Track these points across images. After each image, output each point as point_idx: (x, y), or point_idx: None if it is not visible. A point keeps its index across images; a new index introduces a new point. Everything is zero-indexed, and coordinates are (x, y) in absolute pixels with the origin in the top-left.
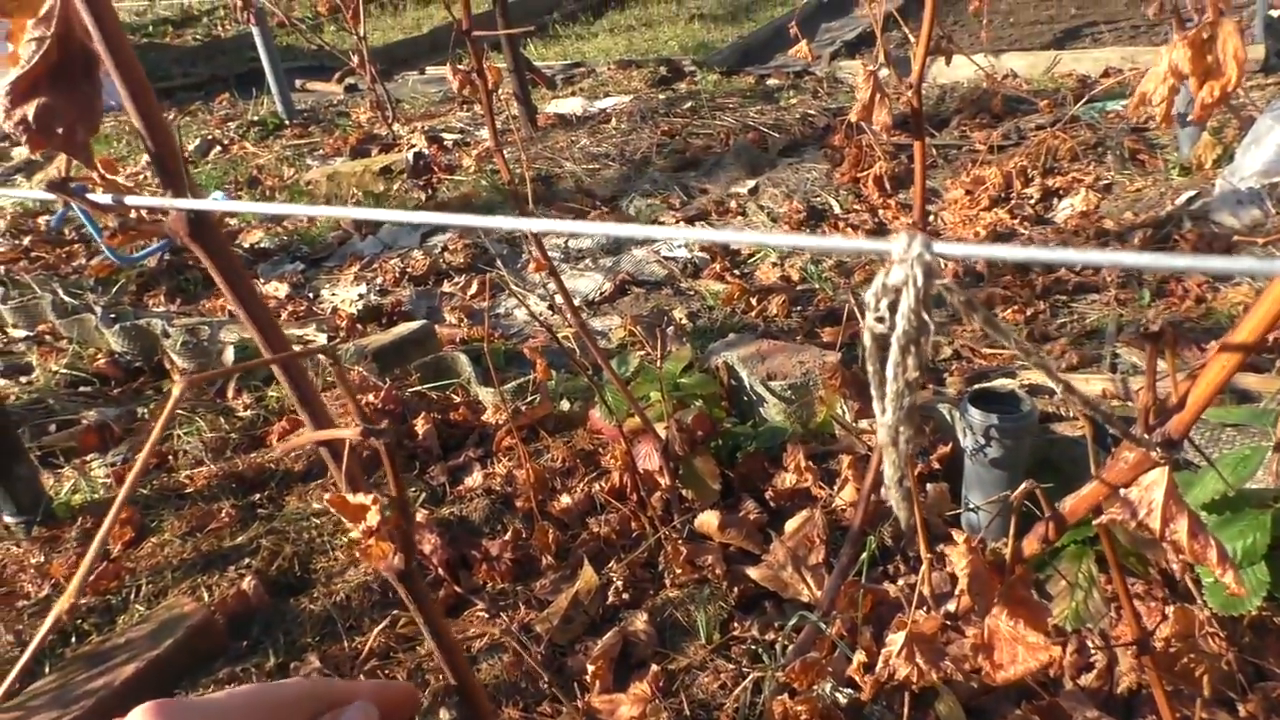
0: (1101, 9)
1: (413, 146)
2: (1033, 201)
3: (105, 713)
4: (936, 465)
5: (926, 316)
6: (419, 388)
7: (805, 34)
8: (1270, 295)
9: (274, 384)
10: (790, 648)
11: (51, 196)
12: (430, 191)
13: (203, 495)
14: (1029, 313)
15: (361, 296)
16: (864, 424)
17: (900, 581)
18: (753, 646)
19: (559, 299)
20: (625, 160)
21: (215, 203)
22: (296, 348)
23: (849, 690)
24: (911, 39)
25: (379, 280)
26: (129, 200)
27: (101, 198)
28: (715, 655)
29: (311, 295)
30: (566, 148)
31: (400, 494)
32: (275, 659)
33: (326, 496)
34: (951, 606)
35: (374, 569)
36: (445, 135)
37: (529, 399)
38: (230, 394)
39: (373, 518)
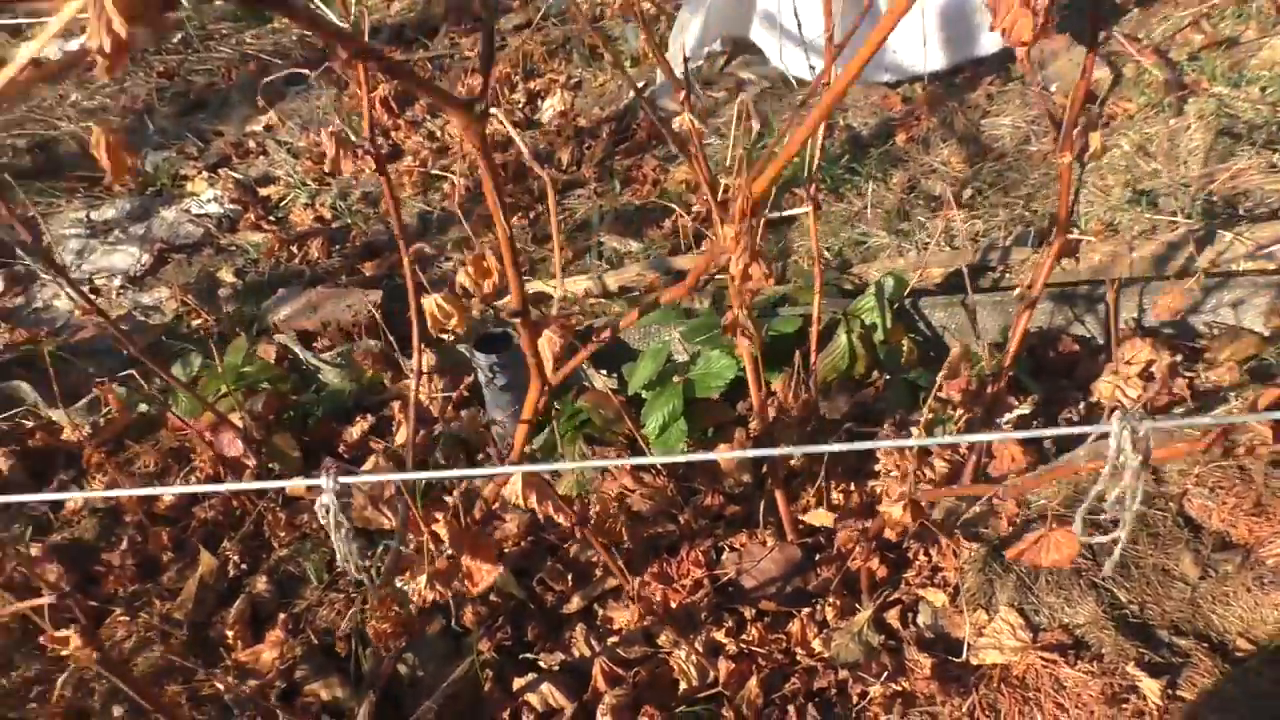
0: None
1: None
2: (520, 106)
3: None
4: (466, 393)
5: None
6: None
7: None
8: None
9: None
10: (384, 568)
11: None
12: None
13: None
14: (531, 215)
15: None
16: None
17: (456, 493)
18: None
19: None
20: (127, 112)
21: None
22: None
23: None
24: None
25: None
26: None
27: None
28: (328, 591)
29: None
30: (56, 105)
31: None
32: None
33: None
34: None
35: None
36: None
37: (105, 411)
38: None
39: None
